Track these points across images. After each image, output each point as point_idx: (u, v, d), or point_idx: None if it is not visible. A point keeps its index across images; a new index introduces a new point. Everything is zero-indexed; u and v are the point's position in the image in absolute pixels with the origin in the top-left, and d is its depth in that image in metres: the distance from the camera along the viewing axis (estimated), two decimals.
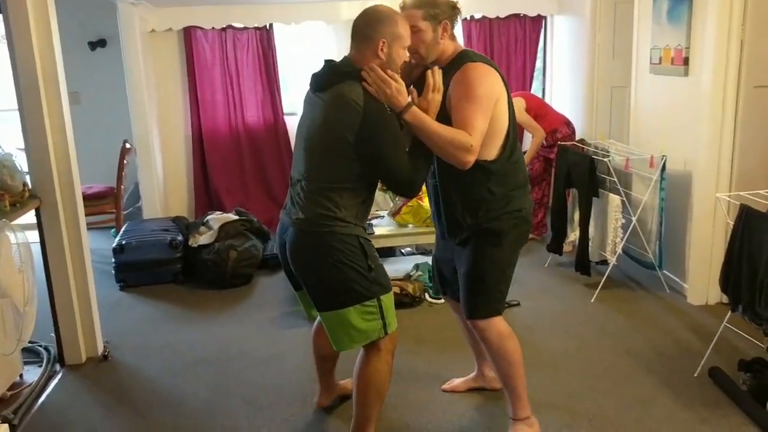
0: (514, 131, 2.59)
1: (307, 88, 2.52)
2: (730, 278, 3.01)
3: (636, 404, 3.02)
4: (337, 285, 2.42)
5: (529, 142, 5.32)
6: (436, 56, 2.53)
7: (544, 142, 5.13)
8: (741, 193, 3.23)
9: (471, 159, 2.40)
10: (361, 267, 2.42)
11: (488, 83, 2.45)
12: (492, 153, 2.53)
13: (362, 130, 2.32)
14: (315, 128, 2.42)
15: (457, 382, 3.22)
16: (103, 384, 3.41)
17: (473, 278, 2.63)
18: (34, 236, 3.49)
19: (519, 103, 4.98)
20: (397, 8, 2.49)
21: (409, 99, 2.40)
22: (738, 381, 3.07)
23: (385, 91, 2.34)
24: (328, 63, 2.48)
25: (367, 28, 2.40)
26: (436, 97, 2.45)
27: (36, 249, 3.48)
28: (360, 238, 2.44)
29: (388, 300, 2.50)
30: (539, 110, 5.18)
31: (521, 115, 4.94)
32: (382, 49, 2.38)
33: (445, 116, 2.45)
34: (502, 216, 2.57)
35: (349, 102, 2.33)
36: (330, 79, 2.41)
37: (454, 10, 2.51)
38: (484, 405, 3.06)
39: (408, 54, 2.48)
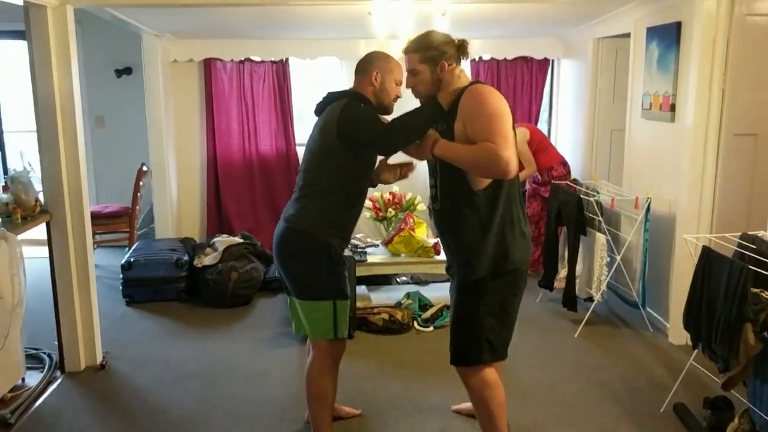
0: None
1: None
2: (691, 316, 3.12)
3: None
4: (301, 278, 2.79)
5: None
6: (437, 92, 2.62)
7: (538, 177, 5.31)
8: (706, 235, 3.35)
9: (506, 168, 2.34)
10: (325, 271, 2.75)
11: (497, 98, 2.47)
12: (482, 182, 2.51)
13: (341, 127, 2.68)
14: (313, 140, 2.83)
15: (465, 405, 3.23)
16: (97, 391, 3.61)
17: (455, 325, 2.68)
18: (44, 251, 3.76)
19: (523, 133, 5.15)
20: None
21: (436, 137, 2.57)
22: (700, 417, 3.17)
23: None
24: (329, 93, 2.88)
25: (365, 64, 2.85)
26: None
27: (45, 263, 3.75)
28: (332, 247, 2.74)
29: (343, 307, 2.78)
30: (540, 144, 5.34)
31: (521, 145, 5.05)
32: (375, 78, 2.80)
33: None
34: (484, 257, 2.52)
35: (331, 113, 2.74)
36: (326, 103, 2.84)
37: (456, 47, 2.63)
38: (451, 428, 3.20)
39: (401, 92, 2.87)
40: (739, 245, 3.08)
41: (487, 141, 2.36)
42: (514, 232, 2.56)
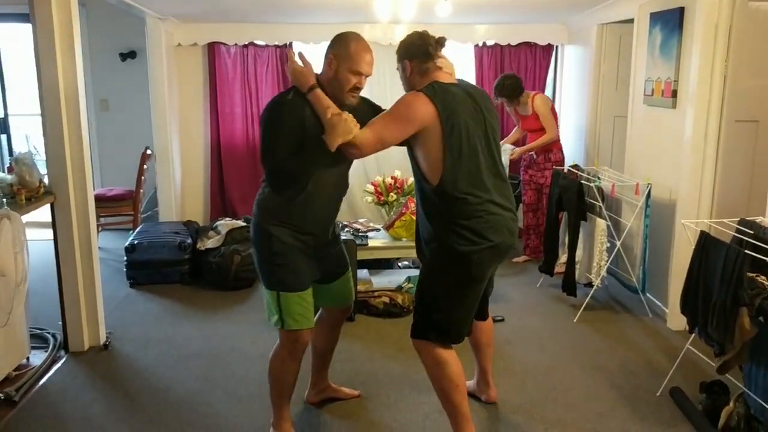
0: (459, 168, 2.58)
1: None
2: (688, 301, 3.15)
3: (594, 416, 3.17)
4: (258, 266, 2.81)
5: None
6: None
7: (533, 155, 5.37)
8: (705, 220, 3.37)
9: (355, 152, 2.59)
10: (267, 260, 2.73)
11: (413, 107, 2.56)
12: (435, 177, 2.61)
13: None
14: None
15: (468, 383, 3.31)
16: (100, 370, 3.66)
17: (415, 297, 2.84)
18: (49, 233, 3.80)
19: (547, 99, 5.45)
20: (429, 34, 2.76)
21: (312, 82, 2.61)
22: (696, 401, 3.20)
23: (294, 66, 2.65)
24: None
25: (327, 47, 2.69)
26: None
27: (50, 245, 3.79)
28: (272, 237, 2.69)
29: (288, 299, 2.72)
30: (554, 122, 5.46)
31: (545, 109, 5.32)
32: (330, 65, 2.64)
33: (408, 146, 2.70)
34: (435, 247, 2.68)
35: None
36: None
37: (418, 47, 2.69)
38: None
39: (362, 82, 2.66)
40: (737, 231, 3.10)
41: (372, 123, 2.58)
42: (459, 227, 2.60)
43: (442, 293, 2.68)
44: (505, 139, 5.73)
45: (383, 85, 6.08)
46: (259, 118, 2.69)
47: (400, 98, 2.64)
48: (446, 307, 2.68)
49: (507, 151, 5.41)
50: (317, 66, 2.72)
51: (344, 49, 2.62)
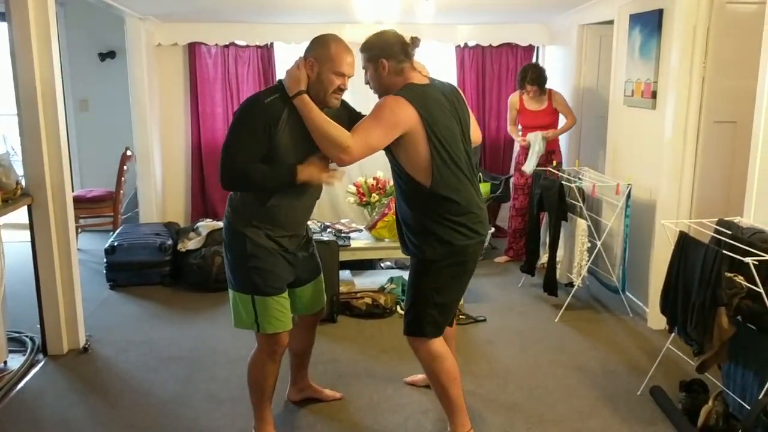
0: (446, 168, 2.64)
1: None
2: (668, 301, 3.17)
3: (575, 416, 3.18)
4: (230, 269, 2.75)
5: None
6: (386, 91, 2.71)
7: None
8: (684, 220, 3.40)
9: (345, 158, 2.55)
10: (241, 263, 2.69)
11: (396, 112, 2.58)
12: (423, 179, 2.64)
13: None
14: None
15: (419, 377, 3.42)
16: (80, 374, 3.62)
17: (407, 296, 2.85)
18: (26, 235, 3.75)
19: (561, 94, 5.46)
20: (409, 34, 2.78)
21: (302, 88, 2.58)
22: (676, 400, 3.23)
23: (290, 69, 2.61)
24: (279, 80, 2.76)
25: (306, 50, 2.67)
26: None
27: (28, 246, 3.74)
28: (247, 238, 2.66)
29: (264, 303, 2.70)
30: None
31: (564, 99, 5.40)
32: (311, 68, 2.61)
33: (388, 150, 2.69)
34: (429, 243, 2.68)
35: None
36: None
37: (396, 47, 2.69)
38: (432, 410, 3.23)
39: (345, 83, 2.66)
40: (716, 231, 3.13)
41: (353, 134, 2.55)
42: (457, 220, 2.68)
43: (437, 288, 2.74)
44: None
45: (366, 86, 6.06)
46: (233, 114, 2.64)
47: (380, 103, 2.64)
48: (441, 301, 2.75)
49: (538, 136, 5.26)
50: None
51: (325, 51, 2.61)
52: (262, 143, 2.55)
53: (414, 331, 2.80)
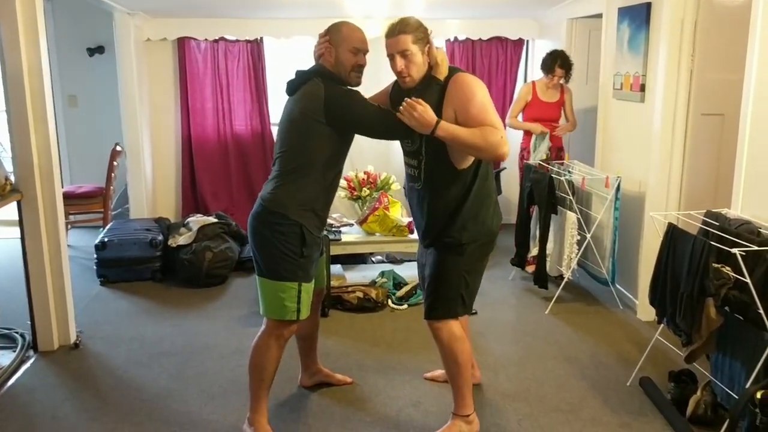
0: None
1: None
2: (657, 292, 3.20)
3: (566, 407, 3.21)
4: (270, 258, 2.75)
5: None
6: (419, 77, 2.70)
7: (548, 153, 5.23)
8: (672, 212, 3.42)
9: (505, 149, 2.58)
10: (294, 252, 2.72)
11: (483, 87, 2.67)
12: (465, 162, 2.71)
13: (329, 111, 2.67)
14: (288, 121, 2.77)
15: (438, 372, 3.44)
16: (71, 370, 3.62)
17: (435, 281, 2.84)
18: (15, 232, 3.74)
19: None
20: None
21: (435, 118, 2.60)
22: (665, 391, 3.26)
23: (413, 113, 2.58)
24: (298, 71, 2.82)
25: (322, 34, 2.82)
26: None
27: (17, 243, 3.73)
28: (303, 227, 2.72)
29: (306, 290, 2.79)
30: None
31: (571, 97, 5.31)
32: (330, 53, 2.75)
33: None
34: (467, 226, 2.75)
35: (311, 94, 2.70)
36: (298, 83, 2.78)
37: (427, 31, 2.73)
38: (423, 402, 3.25)
39: (362, 60, 2.77)
40: (704, 222, 3.16)
41: (476, 119, 2.57)
42: (490, 203, 2.83)
43: (468, 269, 2.83)
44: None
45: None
46: (333, 102, 2.67)
47: (472, 85, 2.64)
48: (472, 281, 2.87)
49: (546, 136, 5.18)
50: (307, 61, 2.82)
51: (337, 34, 2.75)
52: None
53: (444, 314, 2.84)
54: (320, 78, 2.73)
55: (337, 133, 2.73)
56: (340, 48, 2.74)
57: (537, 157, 5.13)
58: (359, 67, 2.79)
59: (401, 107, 2.61)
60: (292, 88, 2.80)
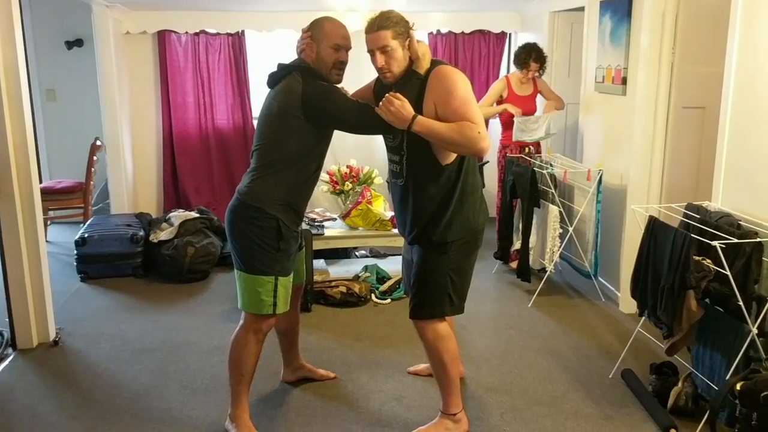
0: None
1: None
2: (638, 285, 3.21)
3: (548, 399, 3.22)
4: (247, 252, 2.75)
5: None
6: (400, 72, 2.67)
7: (531, 148, 5.15)
8: (654, 205, 3.44)
9: (484, 145, 2.53)
10: (271, 246, 2.72)
11: (464, 80, 2.62)
12: (449, 158, 2.68)
13: (306, 106, 2.65)
14: (266, 115, 2.76)
15: (422, 366, 3.45)
16: (50, 367, 3.57)
17: (420, 280, 2.81)
18: None
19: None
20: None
21: (412, 113, 2.57)
22: (647, 383, 3.27)
23: (389, 108, 2.55)
24: (279, 64, 2.82)
25: (305, 30, 2.80)
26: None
27: None
28: (280, 221, 2.71)
29: (283, 284, 2.78)
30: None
31: (546, 84, 5.25)
32: (312, 49, 2.74)
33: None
34: (451, 225, 2.71)
35: (290, 89, 2.69)
36: (278, 76, 2.78)
37: (409, 25, 2.69)
38: (406, 396, 3.25)
39: (344, 56, 2.76)
40: (685, 215, 3.17)
41: (465, 121, 2.52)
42: (474, 197, 2.78)
43: (457, 268, 2.79)
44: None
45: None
46: (312, 97, 2.66)
47: (453, 78, 2.59)
48: (460, 280, 2.82)
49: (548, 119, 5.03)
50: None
51: (319, 30, 2.73)
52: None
53: (430, 314, 2.80)
54: (300, 73, 2.72)
55: (315, 129, 2.70)
56: (321, 44, 2.72)
57: (538, 135, 4.97)
58: (340, 64, 2.77)
59: (381, 103, 2.59)
60: (274, 80, 2.79)
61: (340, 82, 2.80)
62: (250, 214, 2.72)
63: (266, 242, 2.71)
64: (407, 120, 2.55)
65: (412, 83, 2.65)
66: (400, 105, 2.54)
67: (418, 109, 2.60)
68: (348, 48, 2.77)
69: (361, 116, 2.69)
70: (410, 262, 2.95)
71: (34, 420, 3.05)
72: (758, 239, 2.76)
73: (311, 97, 2.65)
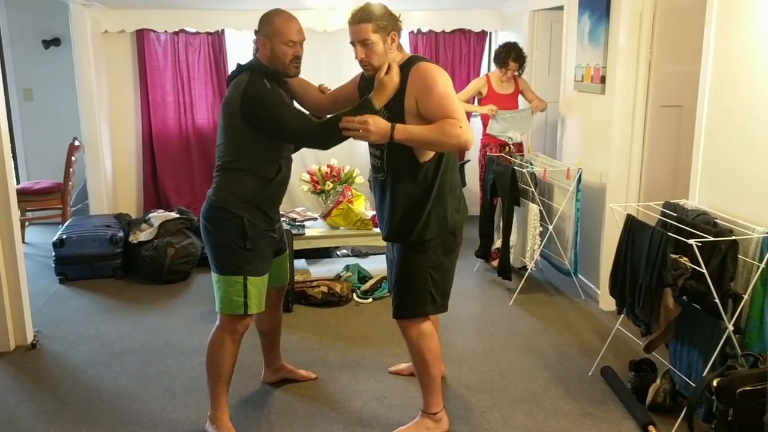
0: None
1: None
2: (616, 283, 3.23)
3: (529, 397, 3.23)
4: (216, 253, 2.77)
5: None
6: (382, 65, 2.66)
7: (512, 148, 5.16)
8: (632, 203, 3.46)
9: (468, 137, 2.53)
10: (238, 246, 2.71)
11: (444, 76, 2.62)
12: (426, 155, 2.67)
13: (244, 107, 2.63)
14: (220, 115, 2.77)
15: (403, 366, 3.45)
16: (28, 371, 3.54)
17: (401, 279, 2.81)
18: None
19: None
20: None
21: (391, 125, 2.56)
22: (626, 380, 3.30)
23: (368, 129, 2.52)
24: (237, 64, 2.80)
25: (255, 32, 2.77)
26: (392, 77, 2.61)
27: None
28: (245, 219, 2.70)
29: (254, 284, 2.76)
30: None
31: (526, 83, 5.27)
32: (264, 45, 2.70)
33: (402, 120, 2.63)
34: (429, 223, 2.70)
35: (234, 88, 2.69)
36: (232, 76, 2.77)
37: (398, 21, 2.69)
38: (387, 396, 3.25)
39: (299, 50, 2.73)
40: (662, 213, 3.19)
41: (446, 118, 2.52)
42: (453, 196, 2.77)
43: (436, 266, 2.77)
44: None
45: (318, 74, 6.01)
46: (247, 98, 2.62)
47: (433, 75, 2.58)
48: (441, 279, 2.80)
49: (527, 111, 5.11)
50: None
51: (270, 26, 2.69)
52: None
53: (413, 313, 2.79)
54: (248, 73, 2.70)
55: (254, 130, 2.67)
56: (274, 41, 2.68)
57: (512, 135, 5.03)
58: (297, 60, 2.74)
59: (352, 134, 2.57)
60: (228, 80, 2.80)
61: (298, 74, 2.80)
62: (216, 214, 2.73)
63: (233, 242, 2.71)
64: (387, 132, 2.54)
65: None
66: (374, 122, 2.52)
67: (401, 104, 2.61)
68: (302, 41, 2.74)
69: (301, 126, 2.66)
70: (393, 261, 2.94)
71: (10, 424, 3.02)
72: (733, 237, 2.79)
73: (250, 99, 2.63)
